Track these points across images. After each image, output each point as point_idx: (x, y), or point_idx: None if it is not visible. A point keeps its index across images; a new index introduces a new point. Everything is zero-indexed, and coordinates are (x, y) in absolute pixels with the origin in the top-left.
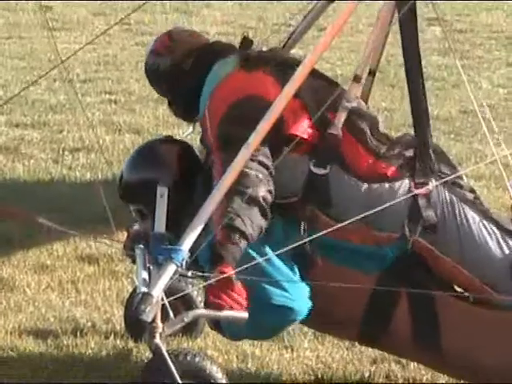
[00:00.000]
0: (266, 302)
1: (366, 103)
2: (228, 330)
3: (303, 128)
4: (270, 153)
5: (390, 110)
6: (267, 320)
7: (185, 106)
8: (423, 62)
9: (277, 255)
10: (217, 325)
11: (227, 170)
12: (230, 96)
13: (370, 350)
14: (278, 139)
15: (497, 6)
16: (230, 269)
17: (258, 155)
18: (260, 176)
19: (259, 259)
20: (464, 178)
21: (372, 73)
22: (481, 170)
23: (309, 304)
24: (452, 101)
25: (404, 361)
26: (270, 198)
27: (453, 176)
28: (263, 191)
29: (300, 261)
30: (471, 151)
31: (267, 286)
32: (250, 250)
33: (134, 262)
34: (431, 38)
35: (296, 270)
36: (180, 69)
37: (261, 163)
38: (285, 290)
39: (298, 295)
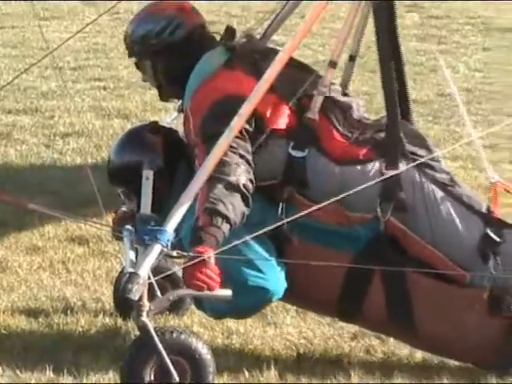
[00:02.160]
0: (242, 283)
1: (346, 88)
2: (209, 309)
3: (282, 120)
4: (252, 148)
5: (370, 94)
6: (243, 300)
7: (172, 89)
8: (402, 48)
9: (254, 237)
10: (200, 304)
11: (210, 153)
12: (210, 95)
13: (350, 326)
14: (259, 135)
15: None
16: (207, 249)
17: (238, 149)
18: (241, 166)
19: (236, 242)
20: (440, 159)
21: (352, 58)
22: (458, 150)
23: (284, 285)
24: (430, 84)
25: (384, 336)
26: (250, 186)
27: (421, 160)
28: (244, 179)
29: (277, 241)
30: (449, 133)
31: (243, 268)
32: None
33: (123, 242)
34: (410, 24)
35: (273, 251)
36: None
37: (242, 156)
38: (260, 271)
39: (273, 276)
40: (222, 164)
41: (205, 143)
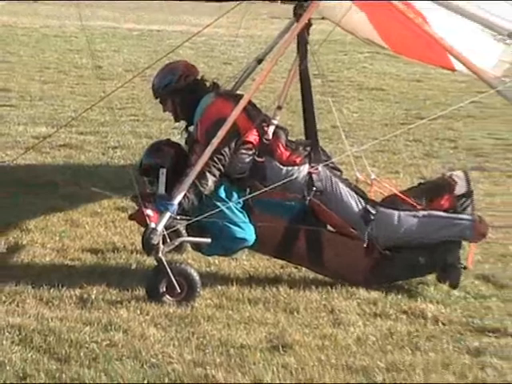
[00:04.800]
0: (232, 236)
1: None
2: (207, 251)
3: (252, 135)
4: (234, 151)
5: (292, 125)
6: (232, 246)
7: (187, 118)
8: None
9: (236, 208)
10: (198, 248)
11: (203, 154)
12: (210, 117)
13: (280, 261)
14: (238, 143)
15: (353, 66)
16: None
17: (219, 164)
18: (211, 179)
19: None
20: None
21: (279, 107)
22: (342, 160)
23: (255, 236)
24: (327, 120)
25: (299, 267)
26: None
27: (328, 162)
28: (208, 189)
29: (246, 211)
30: (337, 149)
31: (232, 226)
32: (218, 202)
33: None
34: (315, 84)
35: (246, 215)
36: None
37: (219, 170)
38: (242, 228)
39: (249, 231)
40: (204, 176)
41: (205, 142)
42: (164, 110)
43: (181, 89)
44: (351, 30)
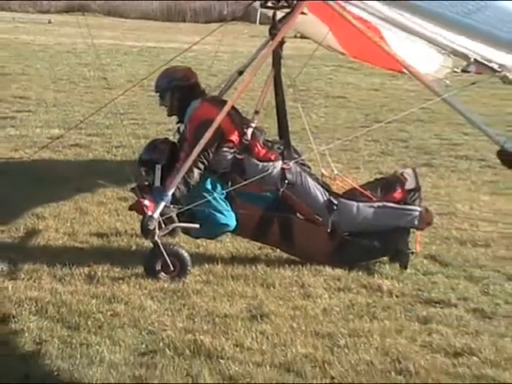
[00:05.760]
0: (217, 222)
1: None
2: (195, 234)
3: (234, 136)
4: (216, 148)
5: (269, 127)
6: (216, 230)
7: (179, 114)
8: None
9: (220, 197)
10: (187, 231)
11: (192, 153)
12: (198, 118)
13: (258, 243)
14: (221, 142)
15: (320, 77)
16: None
17: (203, 160)
18: (197, 173)
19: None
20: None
21: (256, 112)
22: (310, 157)
23: (236, 222)
24: (298, 124)
25: (274, 248)
26: (198, 180)
27: (299, 159)
28: (194, 181)
29: (229, 200)
30: (306, 148)
31: (216, 213)
32: (205, 193)
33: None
34: (288, 94)
35: (228, 204)
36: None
37: (203, 163)
38: (225, 215)
39: (231, 218)
40: (191, 170)
41: (194, 142)
42: (160, 104)
43: (182, 86)
44: (318, 40)
